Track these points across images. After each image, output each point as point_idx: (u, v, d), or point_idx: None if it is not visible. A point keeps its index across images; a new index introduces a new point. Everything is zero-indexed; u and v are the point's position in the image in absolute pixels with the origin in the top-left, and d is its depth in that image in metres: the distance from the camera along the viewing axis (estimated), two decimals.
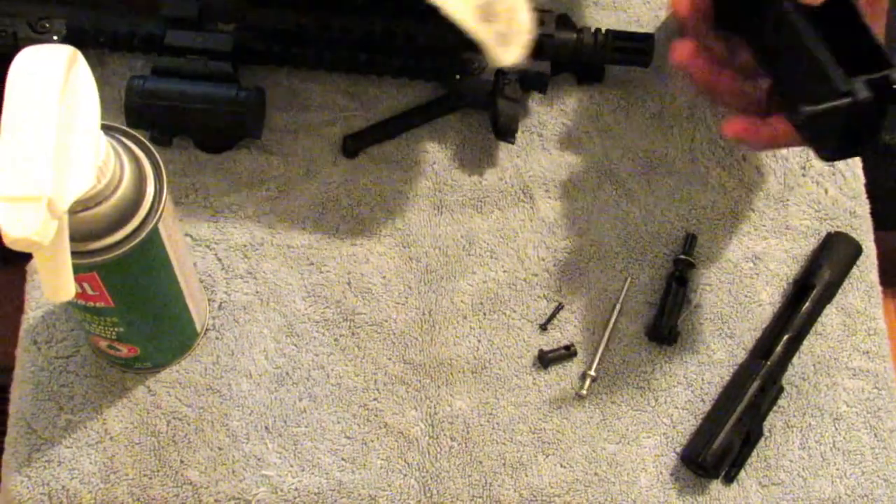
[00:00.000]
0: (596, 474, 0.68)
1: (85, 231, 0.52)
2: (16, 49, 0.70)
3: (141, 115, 0.69)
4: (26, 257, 0.90)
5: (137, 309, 0.60)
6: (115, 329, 0.60)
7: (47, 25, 0.71)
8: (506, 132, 0.73)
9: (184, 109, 0.69)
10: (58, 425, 0.66)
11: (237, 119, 0.70)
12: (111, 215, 0.52)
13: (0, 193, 0.44)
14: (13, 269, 0.91)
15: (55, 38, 0.71)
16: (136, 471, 0.65)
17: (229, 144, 0.73)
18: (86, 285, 0.55)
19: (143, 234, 0.53)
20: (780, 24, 0.62)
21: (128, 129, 0.55)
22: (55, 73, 0.46)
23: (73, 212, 0.50)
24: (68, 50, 0.47)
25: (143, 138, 0.55)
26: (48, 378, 0.67)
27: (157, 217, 0.54)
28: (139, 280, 0.57)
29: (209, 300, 0.69)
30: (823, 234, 0.74)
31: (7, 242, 0.44)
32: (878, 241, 0.76)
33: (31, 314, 0.68)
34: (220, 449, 0.66)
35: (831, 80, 0.58)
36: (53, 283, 0.48)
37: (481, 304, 0.71)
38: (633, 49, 0.74)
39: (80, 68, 0.48)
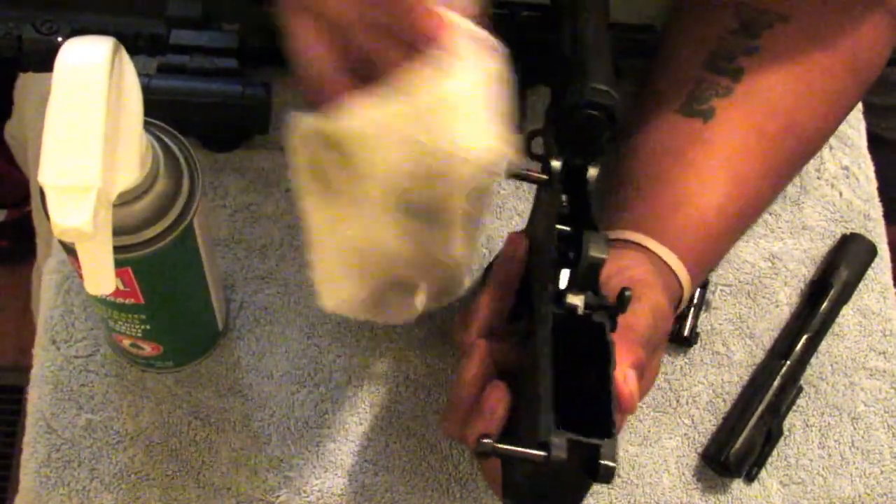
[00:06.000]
0: (619, 476, 0.68)
1: (122, 225, 0.51)
2: (20, 51, 0.70)
3: (145, 113, 0.68)
4: (26, 260, 0.89)
5: (166, 306, 0.59)
6: (142, 326, 0.59)
7: (52, 27, 0.70)
8: None
9: (189, 106, 0.68)
10: (77, 425, 0.65)
11: (243, 115, 0.69)
12: (148, 210, 0.51)
13: (50, 183, 0.43)
14: (13, 270, 0.90)
15: (59, 39, 0.70)
16: (156, 471, 0.64)
17: (236, 142, 0.72)
18: (118, 281, 0.54)
19: (179, 229, 0.53)
20: (529, 337, 0.51)
21: (163, 124, 0.55)
22: (102, 64, 0.45)
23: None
24: (112, 41, 0.47)
25: (177, 133, 0.55)
26: (68, 377, 0.65)
27: (192, 212, 0.53)
28: (171, 276, 0.56)
29: (230, 300, 0.68)
30: (838, 235, 0.75)
31: (56, 233, 0.43)
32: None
33: (49, 313, 0.67)
34: (241, 450, 0.65)
35: (538, 424, 0.46)
36: (95, 276, 0.47)
37: None
38: (634, 40, 0.74)
39: (123, 59, 0.47)
